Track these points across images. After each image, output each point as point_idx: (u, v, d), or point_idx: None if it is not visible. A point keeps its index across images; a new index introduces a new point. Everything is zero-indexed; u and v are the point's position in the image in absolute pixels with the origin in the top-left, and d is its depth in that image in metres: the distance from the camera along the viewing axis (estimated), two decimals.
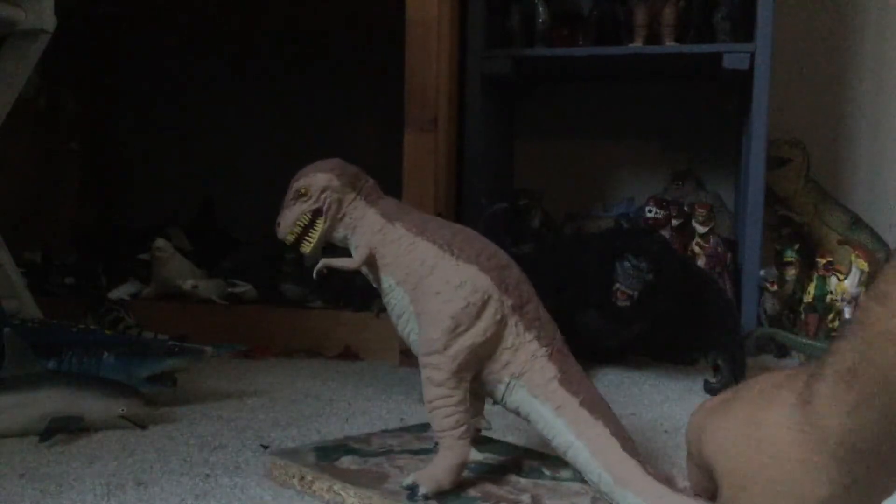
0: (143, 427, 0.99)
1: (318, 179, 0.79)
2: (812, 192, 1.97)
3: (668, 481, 0.65)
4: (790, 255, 1.78)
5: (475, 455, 0.71)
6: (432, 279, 0.73)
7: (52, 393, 0.96)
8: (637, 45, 1.78)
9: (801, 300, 1.72)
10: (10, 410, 0.95)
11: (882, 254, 1.85)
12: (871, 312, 0.46)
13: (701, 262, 1.69)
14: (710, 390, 1.23)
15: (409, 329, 0.76)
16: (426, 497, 0.69)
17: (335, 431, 1.00)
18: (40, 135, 2.14)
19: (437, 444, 0.72)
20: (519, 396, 0.72)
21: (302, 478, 0.77)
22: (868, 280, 1.59)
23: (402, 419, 1.07)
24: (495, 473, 0.76)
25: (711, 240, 1.74)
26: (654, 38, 1.79)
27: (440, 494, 0.69)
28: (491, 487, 0.72)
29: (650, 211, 1.81)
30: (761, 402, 0.54)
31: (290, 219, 0.80)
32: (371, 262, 0.78)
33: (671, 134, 2.09)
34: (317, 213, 0.80)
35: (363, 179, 0.81)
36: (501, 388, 0.72)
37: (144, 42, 2.27)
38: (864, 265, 1.65)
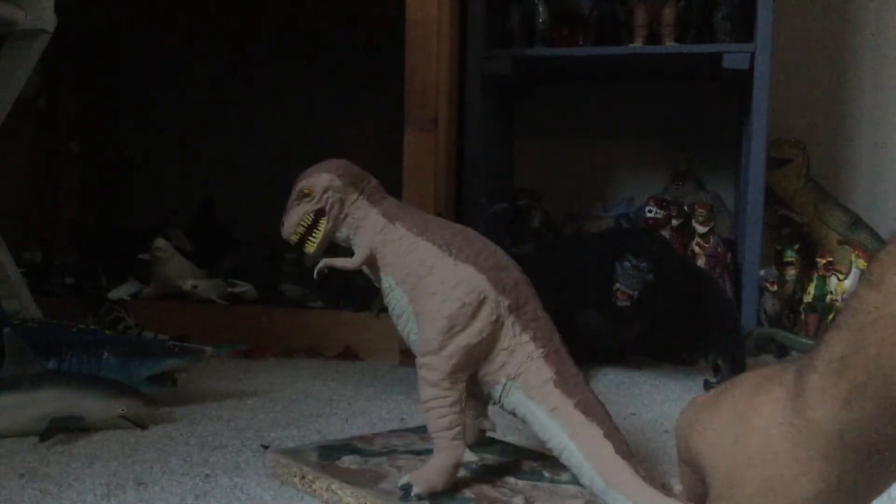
0: (144, 427, 0.99)
1: (321, 180, 0.79)
2: (812, 192, 1.97)
3: (665, 487, 0.64)
4: (790, 255, 1.78)
5: (470, 456, 0.71)
6: (430, 279, 0.73)
7: (52, 393, 0.96)
8: (637, 45, 1.79)
9: (801, 300, 1.72)
10: (10, 410, 0.94)
11: None
12: (864, 299, 0.44)
13: (701, 262, 1.69)
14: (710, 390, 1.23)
15: (409, 329, 0.76)
16: (419, 497, 0.69)
17: (335, 431, 1.00)
18: (40, 135, 2.15)
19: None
20: (515, 398, 0.71)
21: (303, 476, 0.77)
22: None
23: (402, 419, 1.07)
24: (493, 474, 0.75)
25: (711, 240, 1.74)
26: (654, 38, 1.79)
27: (434, 495, 0.69)
28: (486, 488, 0.72)
29: (650, 211, 1.81)
30: (751, 396, 0.52)
31: (293, 219, 0.80)
32: (372, 262, 0.78)
33: (671, 134, 2.09)
34: (320, 214, 0.80)
35: (366, 180, 0.81)
36: (498, 389, 0.72)
37: (144, 42, 2.27)
38: (865, 265, 1.65)
